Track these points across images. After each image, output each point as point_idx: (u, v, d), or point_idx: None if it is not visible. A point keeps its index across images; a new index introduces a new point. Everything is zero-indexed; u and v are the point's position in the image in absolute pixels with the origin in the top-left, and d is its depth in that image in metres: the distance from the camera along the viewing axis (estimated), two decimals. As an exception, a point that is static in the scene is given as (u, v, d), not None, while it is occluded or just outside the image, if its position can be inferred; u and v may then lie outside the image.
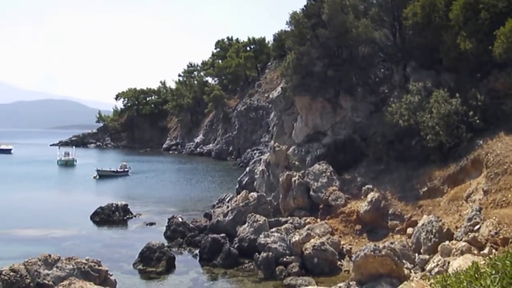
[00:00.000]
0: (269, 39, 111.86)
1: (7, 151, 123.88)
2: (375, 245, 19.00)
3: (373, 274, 18.21)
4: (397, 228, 24.63)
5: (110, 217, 36.82)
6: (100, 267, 18.65)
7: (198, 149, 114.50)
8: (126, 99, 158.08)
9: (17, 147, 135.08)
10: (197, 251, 26.98)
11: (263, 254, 23.58)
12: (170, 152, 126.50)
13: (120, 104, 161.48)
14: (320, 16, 32.94)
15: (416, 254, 21.53)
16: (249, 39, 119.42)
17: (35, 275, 17.98)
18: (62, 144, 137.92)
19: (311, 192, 28.83)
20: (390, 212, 25.16)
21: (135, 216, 38.25)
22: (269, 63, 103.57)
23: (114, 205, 38.02)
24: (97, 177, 66.85)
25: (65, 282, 12.82)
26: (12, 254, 26.73)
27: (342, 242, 25.19)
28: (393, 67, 32.44)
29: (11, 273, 17.89)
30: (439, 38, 27.94)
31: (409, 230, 23.60)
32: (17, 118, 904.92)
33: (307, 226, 26.04)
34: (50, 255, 19.03)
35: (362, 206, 26.10)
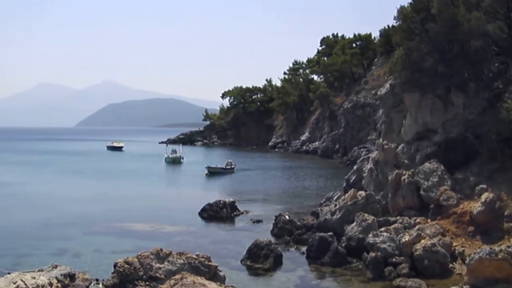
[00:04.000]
0: (375, 35, 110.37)
1: (119, 149, 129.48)
2: (490, 248, 18.22)
3: (488, 278, 17.47)
4: (513, 231, 23.52)
5: (218, 213, 37.44)
6: (209, 263, 18.97)
7: (304, 147, 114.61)
8: (232, 97, 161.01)
9: (128, 144, 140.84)
10: (304, 249, 26.87)
11: (372, 254, 23.16)
12: (276, 150, 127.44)
13: (226, 103, 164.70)
14: (429, 10, 31.97)
15: (536, 259, 20.45)
16: (354, 35, 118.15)
17: (147, 268, 18.59)
18: (170, 142, 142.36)
19: (421, 192, 28.03)
20: (506, 213, 24.00)
21: (242, 213, 38.69)
22: (376, 60, 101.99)
23: (222, 201, 38.64)
24: (208, 173, 68.68)
25: (177, 276, 13.13)
26: (125, 247, 27.83)
27: (454, 244, 24.26)
28: (508, 61, 30.96)
29: (126, 265, 18.62)
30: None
31: (527, 233, 22.50)
32: (128, 116, 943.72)
33: (417, 226, 25.29)
34: (162, 249, 19.58)
35: (475, 206, 25.05)
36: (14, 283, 9.76)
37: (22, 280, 9.88)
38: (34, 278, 10.14)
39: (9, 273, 11.96)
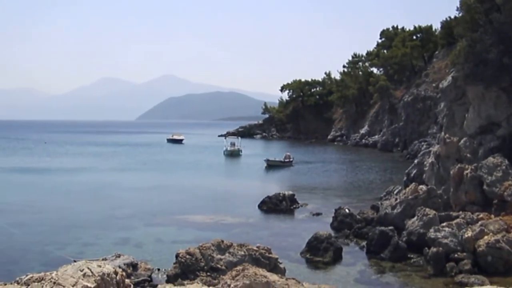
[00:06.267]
0: (436, 26, 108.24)
1: (179, 141, 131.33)
2: (557, 245, 17.74)
3: (555, 275, 17.02)
4: None
5: (277, 206, 37.56)
6: (270, 255, 19.08)
7: (363, 140, 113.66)
8: (291, 90, 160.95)
9: (188, 137, 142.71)
10: (364, 243, 26.69)
11: (433, 249, 22.81)
12: (335, 143, 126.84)
13: (285, 96, 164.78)
14: (494, 0, 31.27)
15: None
16: (415, 27, 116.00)
17: (209, 259, 18.87)
18: (229, 135, 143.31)
19: (485, 186, 27.47)
20: None
21: (301, 206, 38.68)
22: (437, 52, 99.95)
23: (281, 194, 38.74)
24: (267, 166, 68.99)
25: (239, 268, 13.22)
26: (186, 238, 28.27)
27: (519, 240, 23.74)
28: None
29: (187, 256, 18.98)
30: None
31: None
32: (187, 109, 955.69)
33: (480, 222, 24.76)
34: (223, 241, 19.82)
35: (541, 202, 24.45)
36: (81, 271, 10.05)
37: (88, 268, 10.17)
38: (100, 266, 10.43)
39: (75, 261, 12.34)
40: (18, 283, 12.07)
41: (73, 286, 9.48)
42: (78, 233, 29.90)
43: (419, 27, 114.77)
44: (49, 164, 72.24)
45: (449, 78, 35.79)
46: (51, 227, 31.65)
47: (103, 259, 19.34)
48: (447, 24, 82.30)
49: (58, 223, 32.91)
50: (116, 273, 10.57)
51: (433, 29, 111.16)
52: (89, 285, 9.57)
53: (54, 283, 9.53)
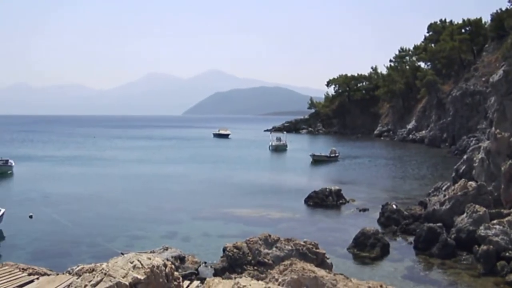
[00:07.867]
0: (486, 19, 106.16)
1: (225, 136, 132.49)
2: None
3: None
4: None
5: (323, 201, 37.41)
6: (317, 250, 19.02)
7: (410, 135, 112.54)
8: (337, 85, 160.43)
9: (234, 132, 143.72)
10: (411, 239, 26.38)
11: (483, 247, 22.35)
12: (381, 138, 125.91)
13: (331, 91, 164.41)
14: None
15: None
16: (463, 20, 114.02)
17: (256, 253, 18.93)
18: (274, 129, 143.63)
19: (537, 183, 26.83)
20: None
21: (348, 202, 38.40)
22: (486, 45, 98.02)
23: (327, 189, 38.56)
24: (313, 161, 68.99)
25: (287, 262, 13.25)
26: (232, 232, 28.38)
27: None
28: None
29: (235, 250, 19.10)
30: None
31: None
32: (233, 104, 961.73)
33: (532, 220, 24.25)
34: (270, 235, 19.85)
35: None
36: (131, 263, 10.21)
37: (138, 260, 10.34)
38: (149, 258, 10.58)
39: (122, 253, 12.58)
40: (70, 273, 12.34)
41: (123, 277, 9.62)
42: (126, 226, 30.35)
43: (468, 20, 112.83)
44: (98, 157, 73.79)
45: (500, 71, 35.00)
46: (100, 219, 32.21)
47: (151, 252, 19.56)
48: (498, 17, 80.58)
49: (107, 215, 33.49)
50: (165, 265, 10.69)
51: (483, 22, 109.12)
52: (139, 276, 9.71)
53: (105, 274, 9.70)
